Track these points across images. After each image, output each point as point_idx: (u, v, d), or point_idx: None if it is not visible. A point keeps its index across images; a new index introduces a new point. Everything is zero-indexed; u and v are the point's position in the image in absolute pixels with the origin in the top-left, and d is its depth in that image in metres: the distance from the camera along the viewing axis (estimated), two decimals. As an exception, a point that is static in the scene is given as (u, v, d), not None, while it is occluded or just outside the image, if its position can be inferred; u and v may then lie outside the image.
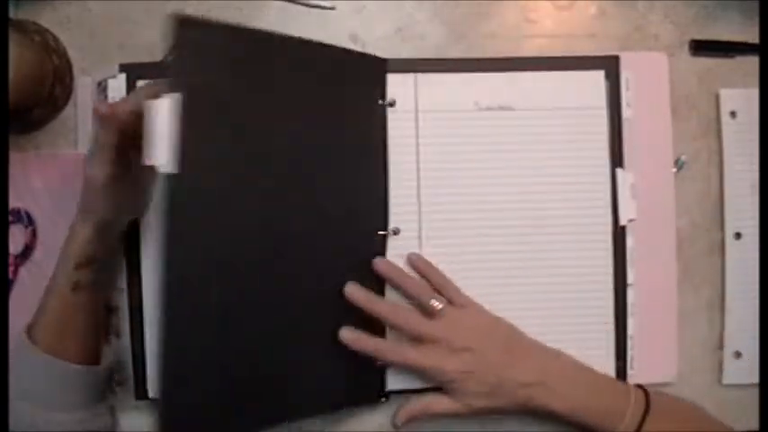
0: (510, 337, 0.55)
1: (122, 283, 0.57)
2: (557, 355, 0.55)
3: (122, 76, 0.57)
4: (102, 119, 0.48)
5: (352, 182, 0.55)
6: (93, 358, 0.54)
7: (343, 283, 0.54)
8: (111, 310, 0.58)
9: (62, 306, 0.51)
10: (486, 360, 0.53)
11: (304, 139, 0.53)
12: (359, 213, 0.55)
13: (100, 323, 0.55)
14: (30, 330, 0.51)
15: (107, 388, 0.56)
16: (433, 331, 0.54)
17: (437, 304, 0.54)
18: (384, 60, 0.57)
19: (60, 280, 0.51)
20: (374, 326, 0.55)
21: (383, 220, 0.56)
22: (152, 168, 0.46)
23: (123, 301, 0.57)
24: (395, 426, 0.56)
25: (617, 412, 0.52)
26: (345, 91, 0.55)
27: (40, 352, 0.50)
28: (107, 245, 0.53)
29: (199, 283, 0.47)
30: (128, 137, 0.49)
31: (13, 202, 0.58)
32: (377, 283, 0.56)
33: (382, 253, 0.56)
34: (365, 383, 0.56)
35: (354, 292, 0.54)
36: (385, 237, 0.56)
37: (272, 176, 0.51)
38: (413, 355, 0.54)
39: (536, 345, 0.56)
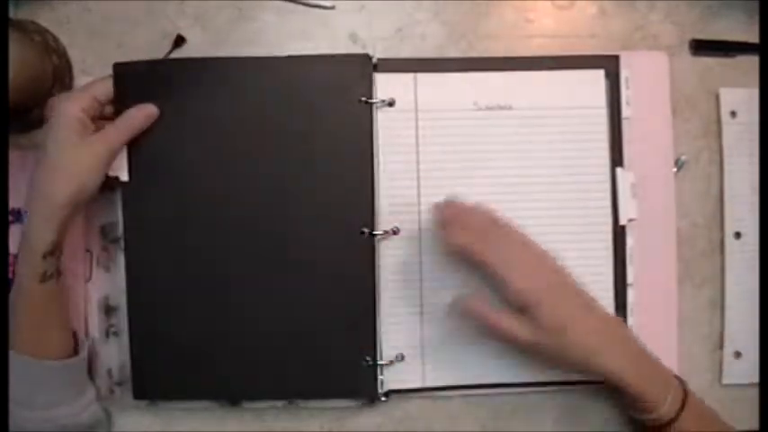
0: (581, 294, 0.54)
1: (121, 282, 0.57)
2: (620, 323, 0.55)
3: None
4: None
5: (333, 181, 0.56)
6: (70, 349, 0.54)
7: (329, 282, 0.56)
8: (110, 309, 0.58)
9: (33, 301, 0.51)
10: (559, 304, 0.52)
11: (273, 143, 0.56)
12: (342, 212, 0.56)
13: (70, 311, 0.55)
14: None
15: (90, 376, 0.56)
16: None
17: None
18: (367, 57, 0.57)
19: (27, 274, 0.50)
20: (362, 321, 0.56)
21: (370, 219, 0.56)
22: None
23: (122, 301, 0.57)
24: (452, 309, 0.56)
25: (660, 397, 0.52)
26: (317, 94, 0.56)
27: (18, 354, 0.50)
28: (66, 229, 0.52)
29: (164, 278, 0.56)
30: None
31: (13, 202, 0.58)
32: (361, 281, 0.56)
33: (370, 251, 0.56)
34: (359, 379, 0.57)
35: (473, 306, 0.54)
36: (372, 235, 0.56)
37: (237, 180, 0.56)
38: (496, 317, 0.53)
39: (601, 308, 0.54)
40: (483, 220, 0.54)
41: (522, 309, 0.51)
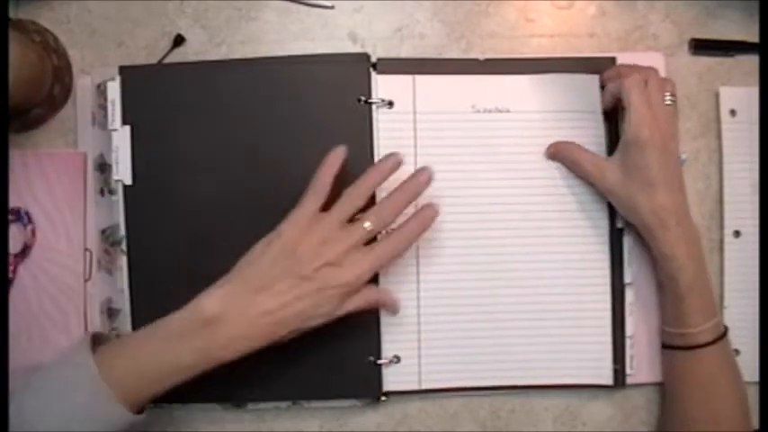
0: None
1: (123, 284, 0.57)
2: (697, 236, 0.55)
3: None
4: None
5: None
6: None
7: None
8: (112, 312, 0.58)
9: None
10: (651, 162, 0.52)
11: (274, 143, 0.56)
12: None
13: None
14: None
15: None
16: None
17: None
18: (367, 57, 0.57)
19: None
20: (364, 319, 0.55)
21: None
22: None
23: (124, 303, 0.57)
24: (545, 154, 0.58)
25: (701, 315, 0.53)
26: (316, 94, 0.56)
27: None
28: None
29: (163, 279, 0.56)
30: None
31: (13, 202, 0.58)
32: None
33: None
34: (363, 378, 0.57)
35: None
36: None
37: (239, 181, 0.56)
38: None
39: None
40: (658, 89, 0.54)
41: (630, 143, 0.52)
